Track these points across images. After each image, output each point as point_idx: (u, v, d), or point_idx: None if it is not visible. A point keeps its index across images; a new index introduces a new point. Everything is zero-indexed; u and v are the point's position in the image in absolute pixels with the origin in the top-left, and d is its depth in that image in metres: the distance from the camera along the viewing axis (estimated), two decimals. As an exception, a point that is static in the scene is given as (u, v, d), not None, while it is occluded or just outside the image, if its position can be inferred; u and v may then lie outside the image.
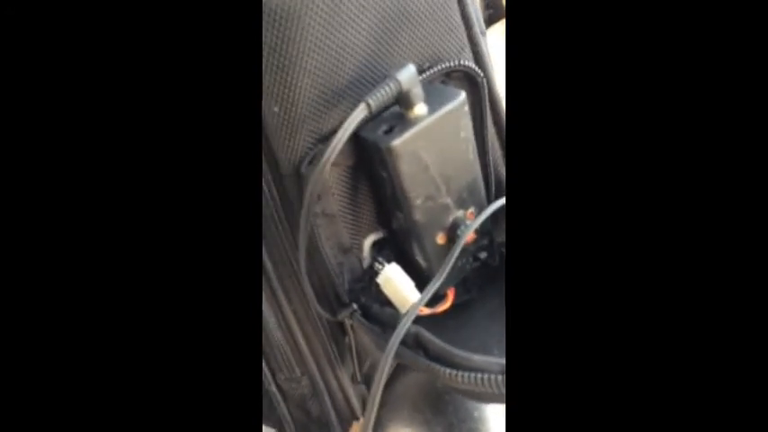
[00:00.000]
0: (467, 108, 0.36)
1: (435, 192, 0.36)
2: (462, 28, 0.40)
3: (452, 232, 0.38)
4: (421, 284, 0.37)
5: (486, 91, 0.40)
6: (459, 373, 0.30)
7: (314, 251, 0.37)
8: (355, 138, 0.35)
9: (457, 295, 0.41)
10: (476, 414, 0.46)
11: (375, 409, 0.32)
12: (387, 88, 0.33)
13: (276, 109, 0.33)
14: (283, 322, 0.41)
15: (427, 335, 0.33)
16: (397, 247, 0.40)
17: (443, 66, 0.38)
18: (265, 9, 0.31)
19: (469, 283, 0.42)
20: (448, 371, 0.31)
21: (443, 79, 0.39)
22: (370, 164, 0.37)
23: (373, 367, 0.45)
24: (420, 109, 0.34)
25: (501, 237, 0.42)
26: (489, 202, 0.40)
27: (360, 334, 0.40)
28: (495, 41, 0.49)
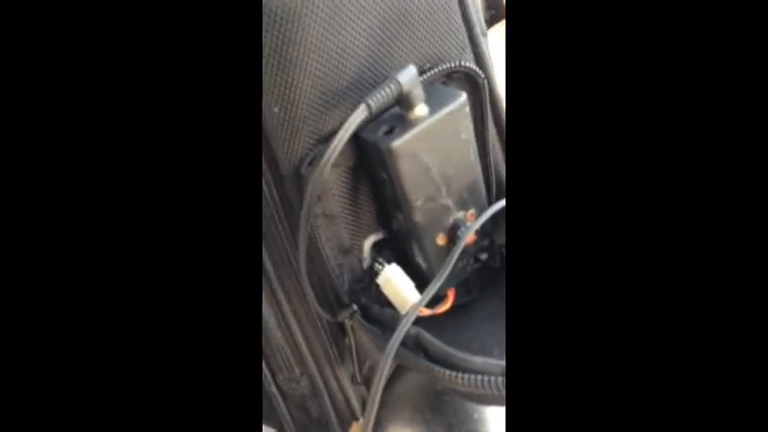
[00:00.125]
0: (468, 109, 0.36)
1: (436, 193, 0.36)
2: (463, 29, 0.40)
3: (453, 233, 0.38)
4: (421, 285, 0.37)
5: (487, 92, 0.40)
6: (460, 375, 0.30)
7: (314, 252, 0.37)
8: (355, 139, 0.35)
9: (457, 296, 0.41)
10: (475, 415, 0.46)
11: (375, 410, 0.32)
12: (387, 89, 0.33)
13: (276, 110, 0.33)
14: (283, 322, 0.41)
15: (427, 336, 0.33)
16: (398, 248, 0.40)
17: (444, 67, 0.38)
18: (266, 10, 0.31)
19: (470, 284, 0.42)
20: (448, 372, 0.30)
21: (444, 80, 0.39)
22: (370, 165, 0.37)
23: (373, 368, 0.45)
24: (420, 110, 0.34)
25: (501, 238, 0.42)
26: (490, 203, 0.40)
27: (360, 335, 0.39)
28: (496, 42, 0.49)
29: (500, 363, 0.30)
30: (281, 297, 0.40)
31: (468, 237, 0.37)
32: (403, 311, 0.37)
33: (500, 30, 0.78)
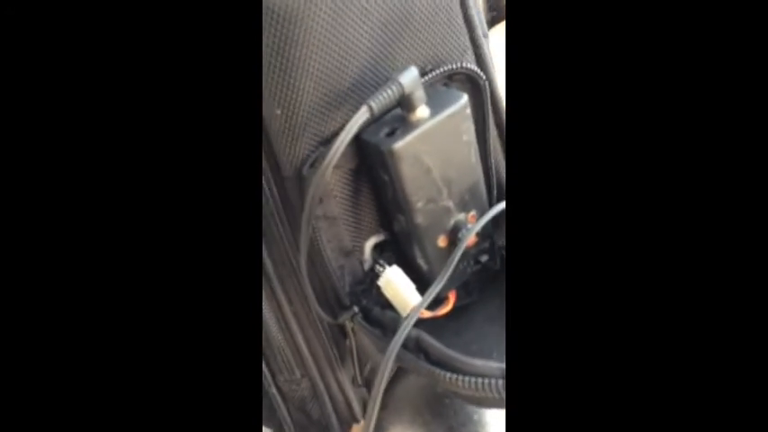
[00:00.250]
0: (469, 111, 0.36)
1: (437, 195, 0.36)
2: (465, 30, 0.40)
3: (454, 235, 0.38)
4: (422, 287, 0.37)
5: (489, 93, 0.40)
6: (460, 378, 0.30)
7: (315, 253, 0.37)
8: (357, 140, 0.35)
9: (458, 298, 0.41)
10: (475, 417, 0.46)
11: (376, 412, 0.32)
12: (389, 91, 0.33)
13: (278, 111, 0.33)
14: (284, 324, 0.41)
15: (428, 339, 0.33)
16: (399, 250, 0.40)
17: (446, 68, 0.38)
18: (268, 11, 0.31)
19: (470, 286, 0.42)
20: (449, 375, 0.30)
21: (445, 82, 0.39)
22: (371, 166, 0.37)
23: (374, 370, 0.45)
24: (422, 112, 0.34)
25: (502, 240, 0.42)
26: (491, 205, 0.40)
27: (360, 336, 0.39)
28: (497, 42, 0.49)
29: (500, 365, 0.30)
30: (282, 298, 0.40)
31: (469, 239, 0.37)
32: (404, 313, 0.37)
33: (501, 30, 0.77)
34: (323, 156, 0.32)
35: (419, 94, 0.34)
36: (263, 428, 0.47)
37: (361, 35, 0.34)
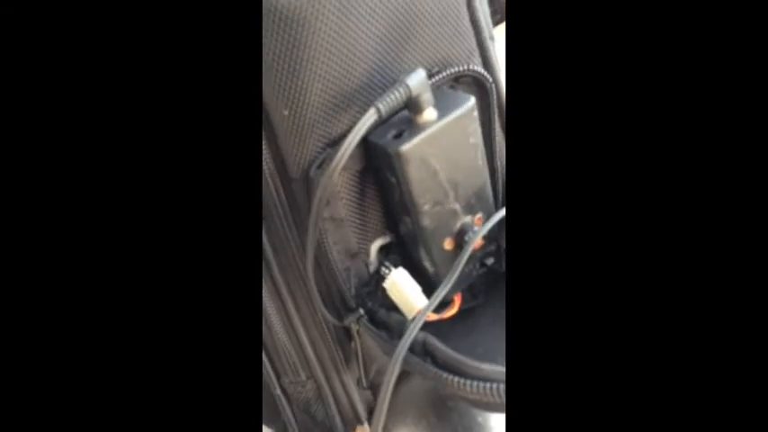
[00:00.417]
0: (476, 113, 0.36)
1: (443, 197, 0.36)
2: (471, 33, 0.40)
3: (460, 238, 0.38)
4: (427, 290, 0.37)
5: (495, 96, 0.40)
6: (468, 382, 0.30)
7: (321, 255, 0.37)
8: (364, 142, 0.35)
9: (463, 301, 0.41)
10: (480, 420, 0.46)
11: (383, 417, 0.32)
12: (396, 93, 0.33)
13: (286, 112, 0.33)
14: (289, 326, 0.41)
15: (435, 342, 0.33)
16: (405, 252, 0.40)
17: (452, 70, 0.38)
18: (276, 13, 0.31)
19: (476, 288, 0.42)
20: (456, 379, 0.30)
21: (452, 84, 0.39)
22: (378, 168, 0.37)
23: (379, 372, 0.45)
24: (429, 114, 0.34)
25: (508, 242, 0.42)
26: (497, 207, 0.40)
27: (366, 339, 0.39)
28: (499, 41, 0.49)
29: (508, 369, 0.29)
30: (288, 300, 0.40)
31: (476, 242, 0.37)
32: (409, 316, 0.37)
33: (502, 31, 0.77)
34: (330, 157, 0.32)
35: (427, 97, 0.34)
36: (269, 430, 0.47)
37: (369, 37, 0.34)
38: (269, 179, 0.36)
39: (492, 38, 0.42)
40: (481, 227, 0.38)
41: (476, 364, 0.30)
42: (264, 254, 0.39)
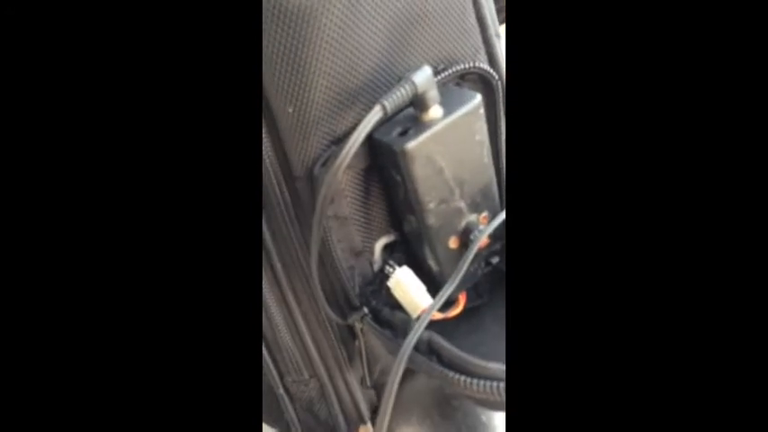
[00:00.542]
0: (482, 111, 0.36)
1: (449, 195, 0.36)
2: (477, 30, 0.39)
3: (465, 236, 0.38)
4: (432, 288, 0.37)
5: (501, 93, 0.40)
6: (474, 381, 0.30)
7: (325, 254, 0.37)
8: (369, 140, 0.35)
9: (468, 300, 0.41)
10: (484, 419, 0.46)
11: (388, 416, 0.32)
12: (402, 90, 0.32)
13: (290, 110, 0.33)
14: (293, 324, 0.41)
15: (441, 341, 0.32)
16: (409, 251, 0.40)
17: (458, 68, 0.37)
18: (281, 10, 0.31)
19: (481, 287, 0.42)
20: (462, 378, 0.30)
21: (458, 81, 0.38)
22: (383, 166, 0.36)
23: (384, 371, 0.45)
24: (435, 111, 0.34)
25: (513, 241, 0.41)
26: (502, 206, 0.40)
27: (370, 338, 0.39)
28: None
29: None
30: (291, 299, 0.40)
31: (482, 240, 0.37)
32: (414, 314, 0.37)
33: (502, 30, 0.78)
34: (335, 155, 0.32)
35: (432, 94, 0.33)
36: (271, 430, 0.47)
37: (374, 33, 0.34)
38: (272, 177, 0.36)
39: (498, 35, 0.42)
40: (486, 225, 0.37)
41: (482, 362, 0.30)
42: (267, 252, 0.38)
